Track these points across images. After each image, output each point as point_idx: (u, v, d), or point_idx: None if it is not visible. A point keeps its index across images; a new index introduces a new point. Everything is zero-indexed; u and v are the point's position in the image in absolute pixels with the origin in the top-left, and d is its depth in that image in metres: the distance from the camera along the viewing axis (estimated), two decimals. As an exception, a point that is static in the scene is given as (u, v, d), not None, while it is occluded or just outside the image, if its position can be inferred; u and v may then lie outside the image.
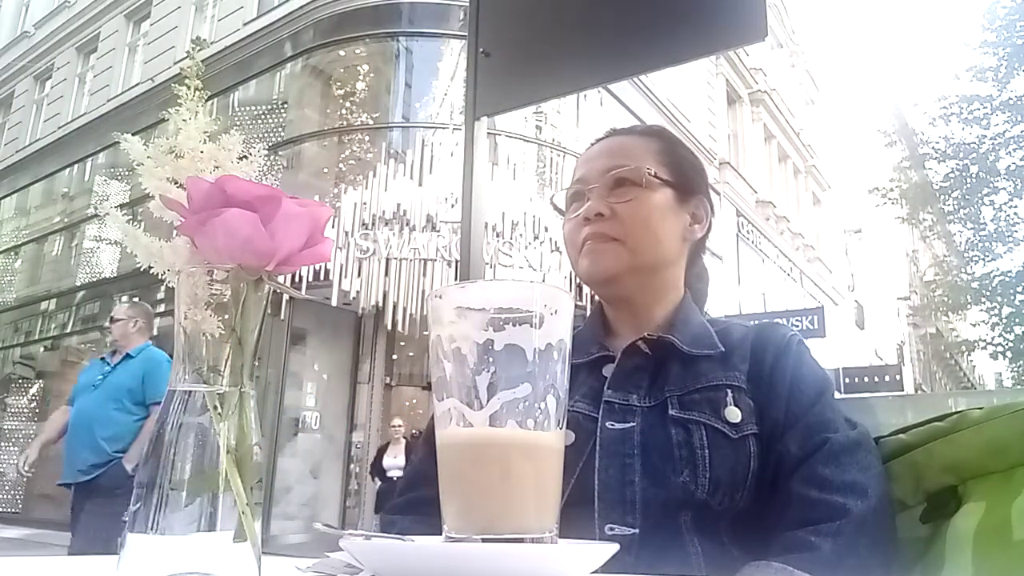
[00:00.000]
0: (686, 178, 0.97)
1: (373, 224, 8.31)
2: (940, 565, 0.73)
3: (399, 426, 7.67)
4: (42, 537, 8.58)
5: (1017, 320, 14.11)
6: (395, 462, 7.17)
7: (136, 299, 4.42)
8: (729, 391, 0.84)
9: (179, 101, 0.54)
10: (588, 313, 1.03)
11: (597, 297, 1.02)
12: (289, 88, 10.09)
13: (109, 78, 13.38)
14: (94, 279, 12.10)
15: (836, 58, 21.16)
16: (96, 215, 11.96)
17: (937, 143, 14.96)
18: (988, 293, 14.36)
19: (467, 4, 1.88)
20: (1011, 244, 14.44)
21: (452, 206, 8.03)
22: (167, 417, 0.47)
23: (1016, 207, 14.29)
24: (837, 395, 0.88)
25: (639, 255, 0.92)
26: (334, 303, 8.24)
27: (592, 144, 1.03)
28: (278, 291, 0.52)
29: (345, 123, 9.48)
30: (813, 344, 0.94)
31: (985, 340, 15.28)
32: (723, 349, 0.89)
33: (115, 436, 3.26)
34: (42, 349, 13.13)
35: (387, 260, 8.22)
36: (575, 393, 0.87)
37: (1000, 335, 14.57)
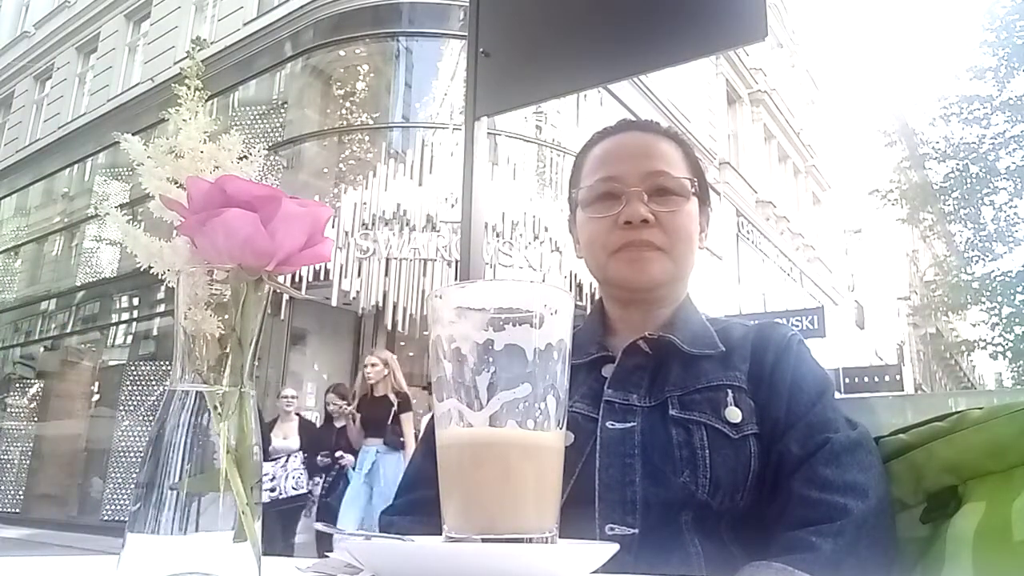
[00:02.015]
0: (704, 187, 0.98)
1: (373, 224, 8.31)
2: (940, 565, 0.73)
3: (292, 398, 5.96)
4: (42, 537, 8.59)
5: (1017, 320, 14.09)
6: (284, 444, 5.65)
7: None
8: (729, 391, 0.84)
9: (179, 101, 0.54)
10: (588, 313, 1.03)
11: (600, 296, 1.01)
12: (289, 88, 10.09)
13: (109, 78, 13.38)
14: (94, 279, 12.10)
15: (836, 58, 21.16)
16: (96, 215, 11.96)
17: (937, 143, 14.94)
18: (988, 293, 14.34)
19: (467, 4, 1.88)
20: (1011, 244, 14.42)
21: (452, 206, 8.03)
22: (167, 417, 0.47)
23: (1016, 207, 14.28)
24: (837, 395, 0.88)
25: (680, 266, 0.93)
26: (334, 303, 8.24)
27: (603, 135, 0.99)
28: (278, 291, 0.52)
29: (345, 123, 9.48)
30: (813, 344, 0.94)
31: (985, 340, 15.26)
32: (723, 349, 0.89)
33: None
34: (42, 349, 13.13)
35: (387, 260, 8.22)
36: (574, 394, 0.86)
37: (1000, 335, 14.54)
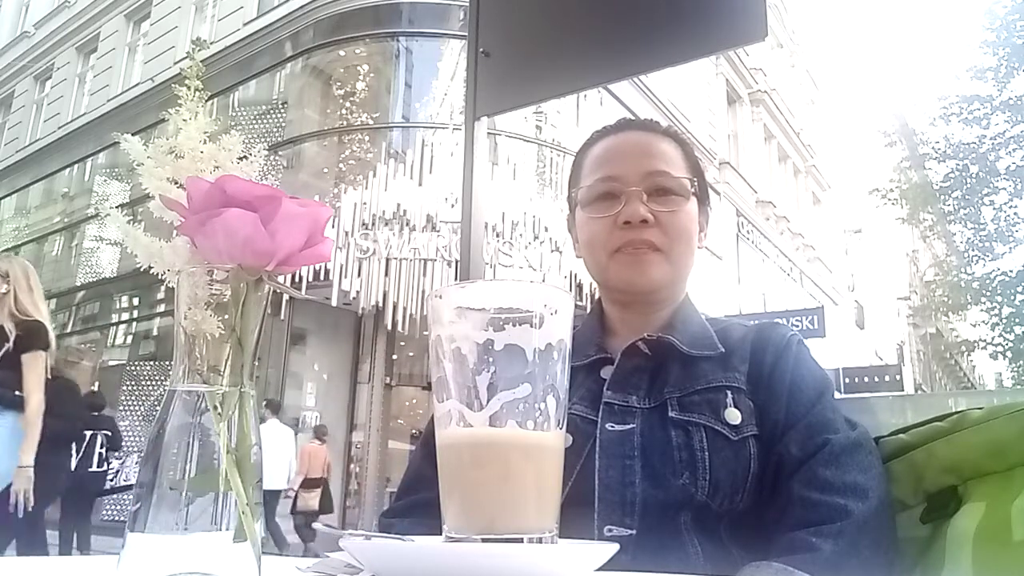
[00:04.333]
0: (703, 187, 0.97)
1: (373, 224, 8.32)
2: (940, 565, 0.73)
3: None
4: (42, 537, 8.59)
5: (1017, 320, 14.09)
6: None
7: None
8: (729, 392, 0.84)
9: (179, 101, 0.54)
10: (587, 314, 1.02)
11: (600, 296, 1.01)
12: (289, 88, 10.09)
13: (109, 78, 13.39)
14: (94, 279, 12.11)
15: (836, 58, 21.16)
16: (96, 215, 11.96)
17: (937, 143, 14.94)
18: (988, 293, 14.33)
19: (467, 4, 1.88)
20: (1011, 244, 14.41)
21: (452, 206, 8.03)
22: (167, 417, 0.47)
23: (1016, 207, 14.27)
24: (837, 395, 0.88)
25: (679, 267, 0.92)
26: (334, 303, 8.25)
27: (603, 134, 0.99)
28: (278, 291, 0.52)
29: (345, 123, 9.48)
30: (813, 344, 0.94)
31: (985, 340, 15.25)
32: (723, 350, 0.89)
33: None
34: (42, 349, 13.11)
35: (387, 260, 8.22)
36: (572, 395, 0.86)
37: (1000, 335, 14.54)
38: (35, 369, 3.12)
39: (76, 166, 13.46)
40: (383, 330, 8.95)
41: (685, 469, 0.79)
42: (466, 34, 1.86)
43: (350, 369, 9.53)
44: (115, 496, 9.79)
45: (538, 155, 9.28)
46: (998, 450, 0.72)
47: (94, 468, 5.96)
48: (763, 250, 14.36)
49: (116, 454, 6.31)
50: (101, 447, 5.99)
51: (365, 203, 8.41)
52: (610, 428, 0.83)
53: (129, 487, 6.33)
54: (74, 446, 5.33)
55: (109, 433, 6.17)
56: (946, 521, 0.74)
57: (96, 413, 6.26)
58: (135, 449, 7.53)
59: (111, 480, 6.25)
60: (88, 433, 5.81)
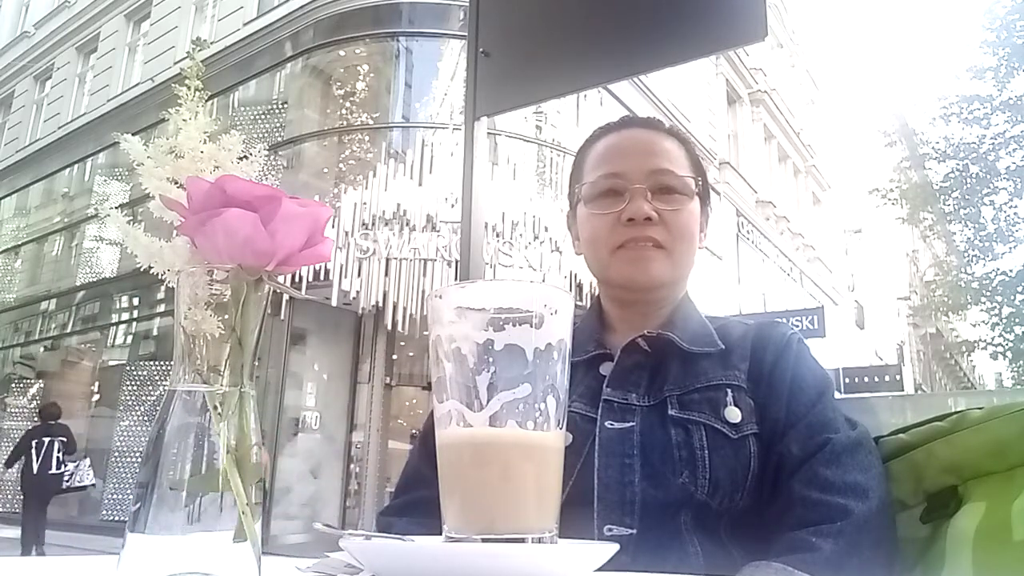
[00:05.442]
0: (705, 187, 0.98)
1: (373, 224, 8.31)
2: (940, 565, 0.73)
3: None
4: (42, 537, 8.59)
5: (1017, 320, 14.08)
6: None
7: None
8: (729, 391, 0.84)
9: (179, 101, 0.54)
10: (586, 310, 1.02)
11: (600, 294, 1.01)
12: (289, 88, 10.09)
13: (109, 78, 13.38)
14: (94, 279, 12.10)
15: (836, 58, 21.15)
16: (96, 215, 11.96)
17: (937, 143, 14.93)
18: (988, 293, 14.32)
19: (467, 4, 1.88)
20: (1011, 244, 14.41)
21: (452, 206, 8.03)
22: (167, 417, 0.46)
23: (1016, 207, 14.27)
24: (837, 395, 0.88)
25: (680, 265, 0.93)
26: (334, 303, 8.24)
27: (606, 131, 0.99)
28: (278, 291, 0.52)
29: (345, 123, 9.47)
30: (813, 344, 0.94)
31: (985, 340, 15.25)
32: (723, 346, 0.89)
33: None
34: (42, 349, 13.13)
35: (387, 260, 8.22)
36: (571, 393, 0.86)
37: (1000, 335, 14.53)
38: None
39: (76, 166, 13.45)
40: (383, 330, 8.94)
41: (685, 468, 0.79)
42: (466, 34, 1.86)
43: (350, 369, 9.52)
44: (114, 497, 9.88)
45: (538, 155, 9.27)
46: (998, 450, 0.72)
47: (53, 471, 7.13)
48: (763, 250, 14.35)
49: (71, 458, 7.36)
50: (58, 452, 7.15)
51: (365, 203, 8.40)
52: (609, 426, 0.83)
53: (83, 488, 7.56)
54: (34, 451, 6.98)
55: (64, 439, 7.28)
56: (946, 521, 0.74)
57: (52, 422, 7.38)
58: (84, 454, 8.19)
59: (67, 481, 7.30)
60: (46, 440, 7.08)
